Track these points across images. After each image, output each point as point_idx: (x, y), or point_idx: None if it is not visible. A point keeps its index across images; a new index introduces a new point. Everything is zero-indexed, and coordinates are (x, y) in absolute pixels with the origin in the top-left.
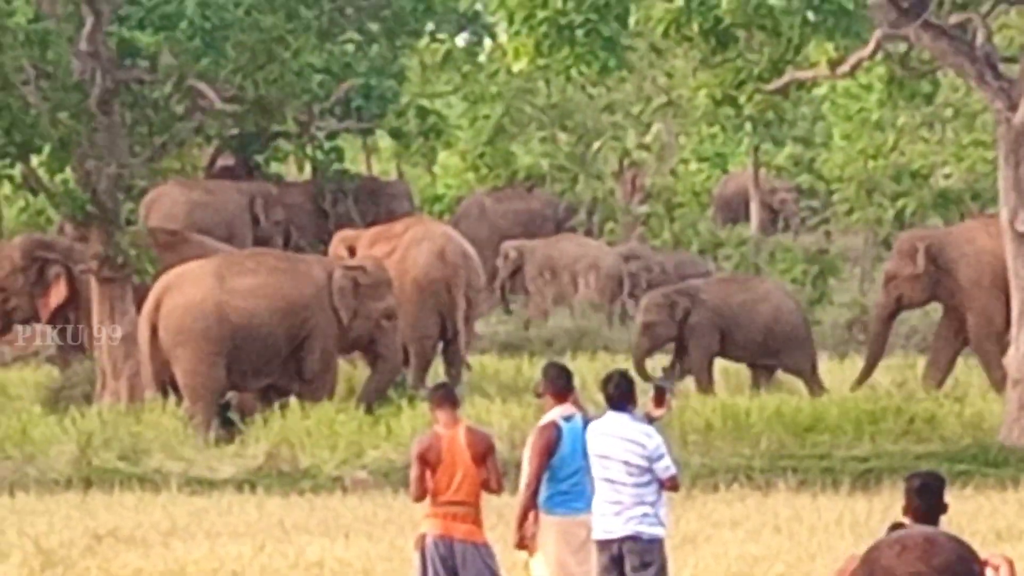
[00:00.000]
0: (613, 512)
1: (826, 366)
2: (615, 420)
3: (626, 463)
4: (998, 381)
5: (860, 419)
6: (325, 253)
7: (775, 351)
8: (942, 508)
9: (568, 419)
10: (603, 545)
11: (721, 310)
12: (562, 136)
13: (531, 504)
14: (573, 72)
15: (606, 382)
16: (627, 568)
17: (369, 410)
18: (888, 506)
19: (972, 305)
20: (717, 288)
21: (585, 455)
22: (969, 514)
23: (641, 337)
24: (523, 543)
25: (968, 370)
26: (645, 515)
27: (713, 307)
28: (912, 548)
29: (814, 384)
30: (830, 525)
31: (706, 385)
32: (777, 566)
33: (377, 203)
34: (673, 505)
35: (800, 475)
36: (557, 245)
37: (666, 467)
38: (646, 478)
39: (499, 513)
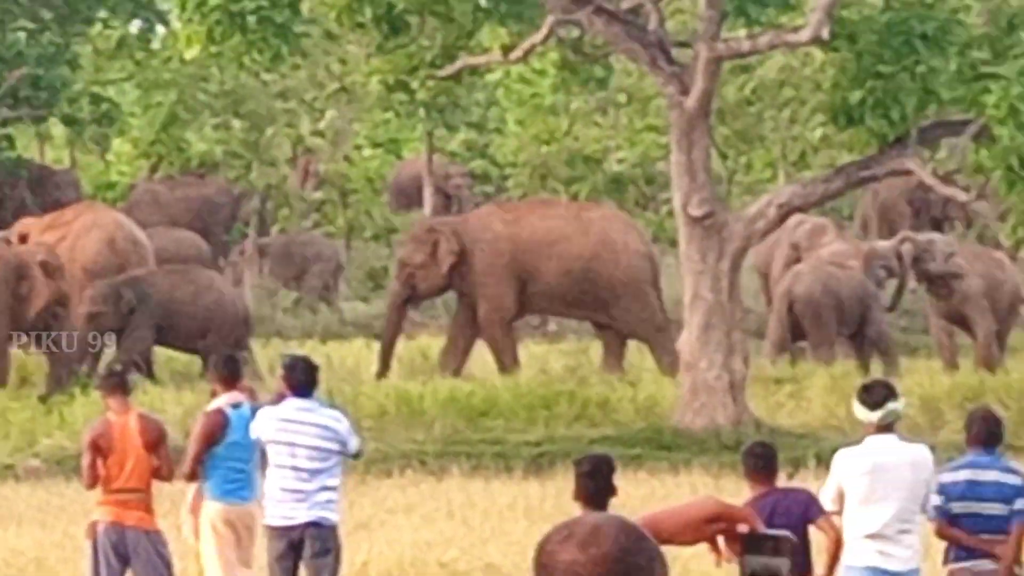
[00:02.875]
0: (295, 499)
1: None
2: (301, 406)
3: (315, 448)
4: (506, 364)
5: (533, 404)
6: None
7: (214, 339)
8: (611, 491)
9: (236, 406)
10: (281, 532)
11: (165, 301)
12: (236, 123)
13: (195, 487)
14: (246, 59)
15: (291, 369)
16: (306, 554)
17: (44, 398)
18: (562, 490)
19: (483, 292)
20: (162, 279)
21: (253, 442)
22: (642, 498)
23: (84, 327)
24: (195, 529)
25: (642, 355)
26: (328, 501)
27: (158, 298)
28: (576, 535)
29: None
30: (503, 510)
31: (147, 373)
32: (451, 551)
33: (45, 191)
34: (346, 491)
35: (473, 460)
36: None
37: (355, 443)
38: (331, 462)
39: (172, 500)
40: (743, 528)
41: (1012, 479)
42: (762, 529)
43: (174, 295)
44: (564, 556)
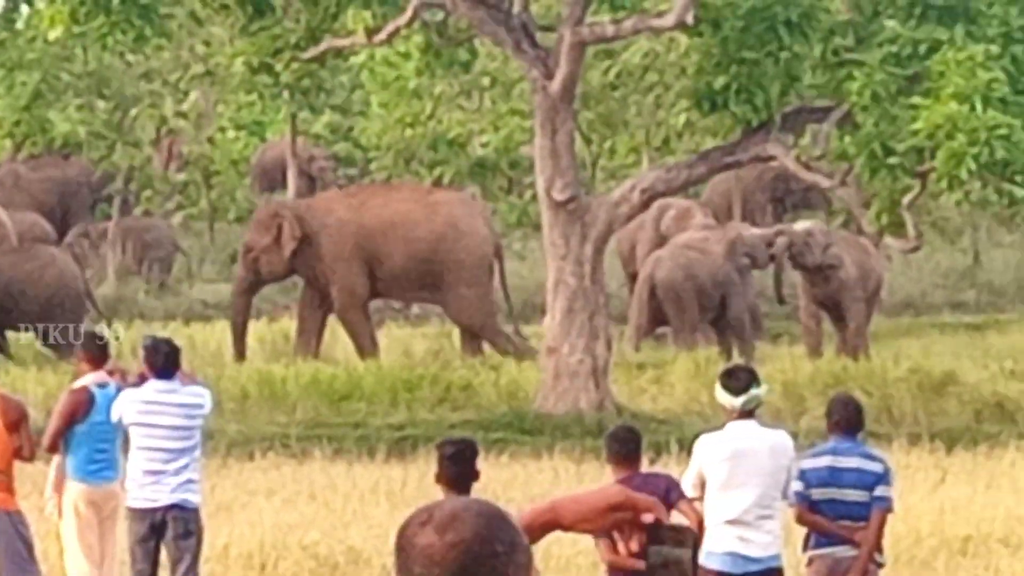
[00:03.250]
0: (157, 481)
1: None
2: (163, 387)
3: (178, 428)
4: (365, 348)
5: (396, 387)
6: None
7: (53, 317)
8: (474, 475)
9: (102, 386)
10: (143, 514)
11: (5, 280)
12: (99, 104)
13: (57, 465)
14: (109, 40)
15: (152, 351)
16: (168, 536)
17: None
18: (424, 473)
19: (334, 278)
20: (5, 258)
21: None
22: (504, 482)
23: None
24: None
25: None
26: (189, 482)
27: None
28: (435, 520)
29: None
30: (365, 493)
31: (6, 354)
32: (312, 534)
33: None
34: (208, 473)
35: (336, 443)
36: None
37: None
38: (193, 441)
39: (33, 481)
40: (647, 518)
41: (873, 466)
42: (667, 520)
43: (14, 274)
44: (421, 541)
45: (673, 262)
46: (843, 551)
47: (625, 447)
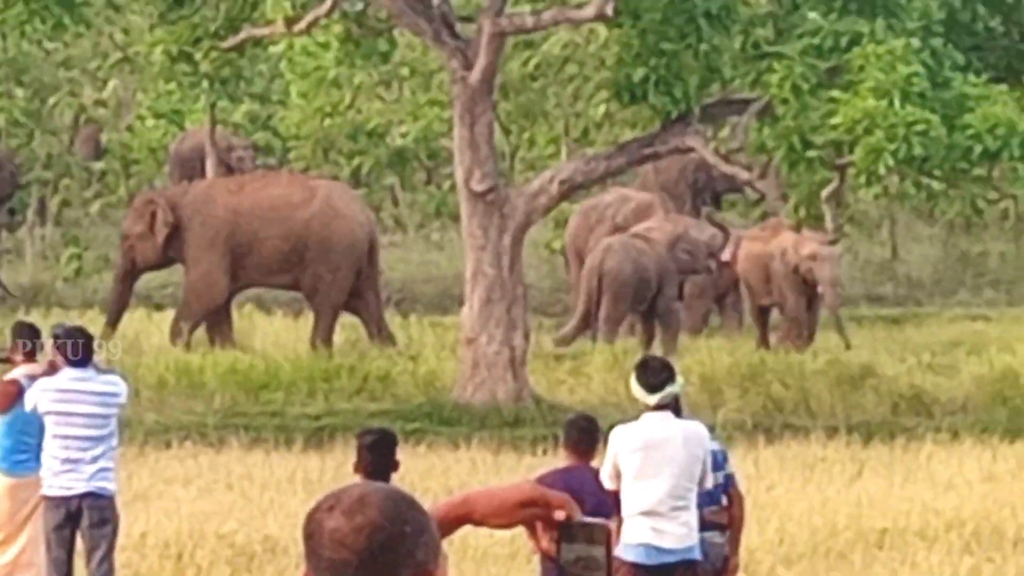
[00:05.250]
0: (72, 469)
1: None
2: (77, 376)
3: (91, 416)
4: (176, 334)
5: (314, 376)
6: None
7: None
8: (393, 465)
9: (33, 379)
10: (58, 502)
11: None
12: (18, 91)
13: None
14: (28, 28)
15: (65, 339)
16: (84, 524)
17: None
18: (341, 463)
19: (195, 264)
20: None
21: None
22: (422, 472)
23: None
24: None
25: (422, 328)
26: (105, 470)
27: None
28: (343, 503)
29: None
30: (282, 482)
31: None
32: (229, 523)
33: None
34: (124, 461)
35: (253, 432)
36: None
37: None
38: (108, 430)
39: None
40: (559, 515)
41: (717, 446)
42: (578, 517)
43: None
44: (329, 524)
45: (624, 253)
46: (712, 536)
47: (585, 436)
